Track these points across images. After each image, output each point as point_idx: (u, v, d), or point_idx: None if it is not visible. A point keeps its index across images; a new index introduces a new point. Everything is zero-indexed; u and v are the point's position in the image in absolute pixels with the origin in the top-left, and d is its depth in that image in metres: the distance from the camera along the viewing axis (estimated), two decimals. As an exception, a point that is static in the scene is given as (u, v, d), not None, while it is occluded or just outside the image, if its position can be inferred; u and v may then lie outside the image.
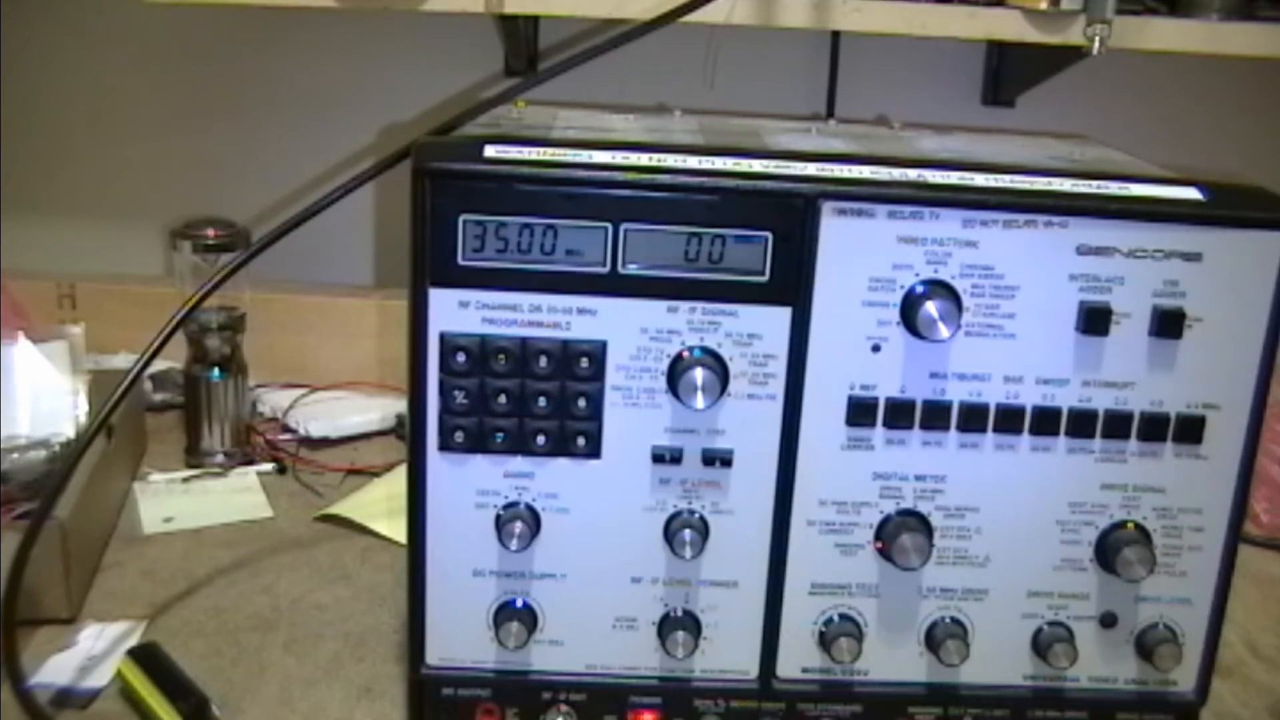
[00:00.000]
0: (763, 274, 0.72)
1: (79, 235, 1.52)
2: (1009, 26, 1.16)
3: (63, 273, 1.41)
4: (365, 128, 1.47)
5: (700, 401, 0.72)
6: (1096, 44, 1.10)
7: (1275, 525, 1.16)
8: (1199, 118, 1.47)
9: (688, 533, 0.75)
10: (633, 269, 0.72)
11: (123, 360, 1.27)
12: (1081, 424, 0.76)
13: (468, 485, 0.75)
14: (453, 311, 0.73)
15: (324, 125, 1.47)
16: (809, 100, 1.46)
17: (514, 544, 0.75)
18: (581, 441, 0.75)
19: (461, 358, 0.73)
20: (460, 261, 0.72)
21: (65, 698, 0.84)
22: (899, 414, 0.75)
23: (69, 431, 1.06)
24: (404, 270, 0.72)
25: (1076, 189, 0.74)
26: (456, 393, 0.74)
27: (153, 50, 1.47)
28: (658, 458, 0.75)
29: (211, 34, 1.45)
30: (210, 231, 1.18)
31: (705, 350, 0.73)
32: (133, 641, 0.89)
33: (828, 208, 0.72)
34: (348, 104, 1.47)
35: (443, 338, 0.73)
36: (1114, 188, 0.74)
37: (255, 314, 1.22)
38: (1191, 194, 0.75)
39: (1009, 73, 1.44)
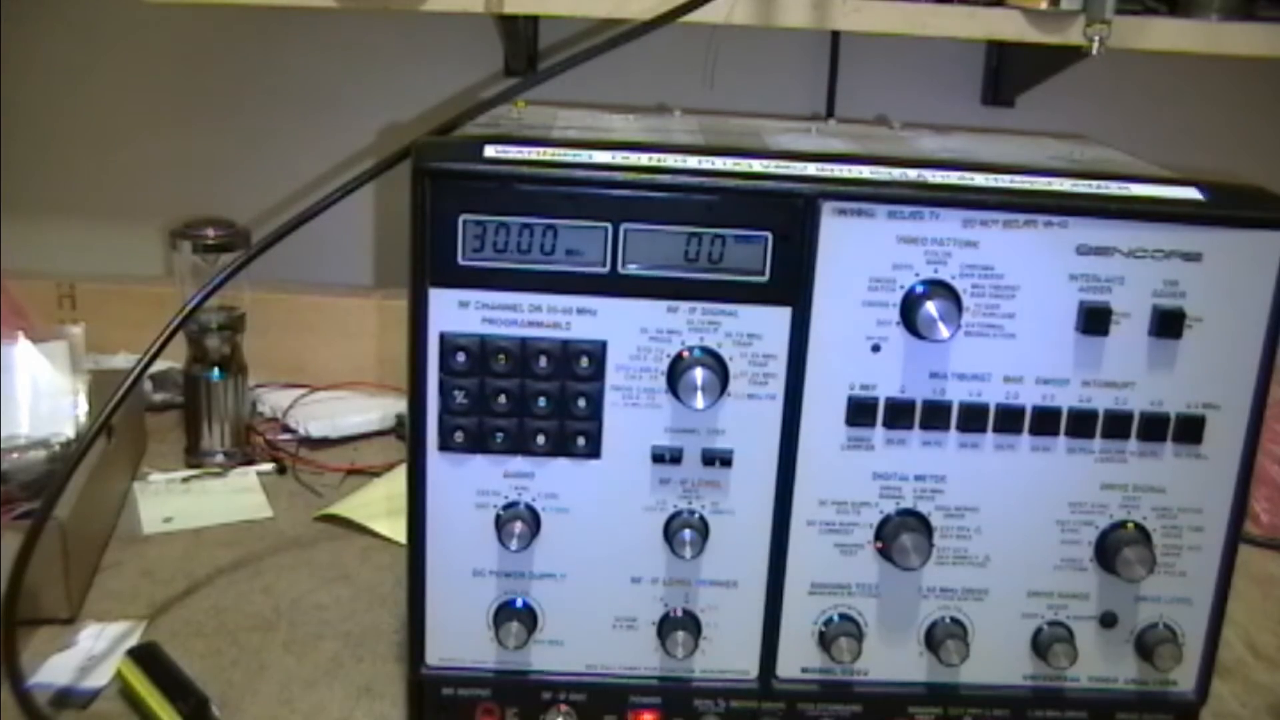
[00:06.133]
0: (763, 274, 0.72)
1: (79, 235, 1.52)
2: (1009, 26, 1.16)
3: (63, 273, 1.41)
4: (365, 127, 1.47)
5: (700, 401, 0.72)
6: (1096, 44, 1.10)
7: (1275, 525, 1.16)
8: (1199, 117, 1.47)
9: (688, 532, 0.75)
10: (633, 269, 0.72)
11: (123, 360, 1.27)
12: (1081, 424, 0.76)
13: (468, 485, 0.75)
14: (453, 311, 0.73)
15: (324, 125, 1.47)
16: (809, 100, 1.46)
17: (514, 544, 0.75)
18: (581, 441, 0.75)
19: (461, 358, 0.73)
20: (460, 261, 0.72)
21: (65, 698, 0.84)
22: (899, 414, 0.75)
23: (69, 432, 1.06)
24: (404, 270, 0.72)
25: (1076, 189, 0.74)
26: (456, 393, 0.74)
27: (152, 50, 1.47)
28: (658, 457, 0.75)
29: (211, 34, 1.45)
30: (210, 232, 1.18)
31: (705, 350, 0.73)
32: (132, 641, 0.89)
33: (828, 208, 0.72)
34: (347, 103, 1.47)
35: (443, 338, 0.73)
36: (1114, 188, 0.74)
37: (255, 314, 1.22)
38: (1191, 194, 0.75)
39: (1009, 72, 1.44)
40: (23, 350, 1.08)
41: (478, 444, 0.75)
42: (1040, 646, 0.79)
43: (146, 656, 0.84)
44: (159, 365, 1.27)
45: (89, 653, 0.89)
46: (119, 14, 1.43)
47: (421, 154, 0.71)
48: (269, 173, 1.48)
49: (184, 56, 1.47)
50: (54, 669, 0.87)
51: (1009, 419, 0.75)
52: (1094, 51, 1.11)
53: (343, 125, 1.47)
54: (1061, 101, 1.44)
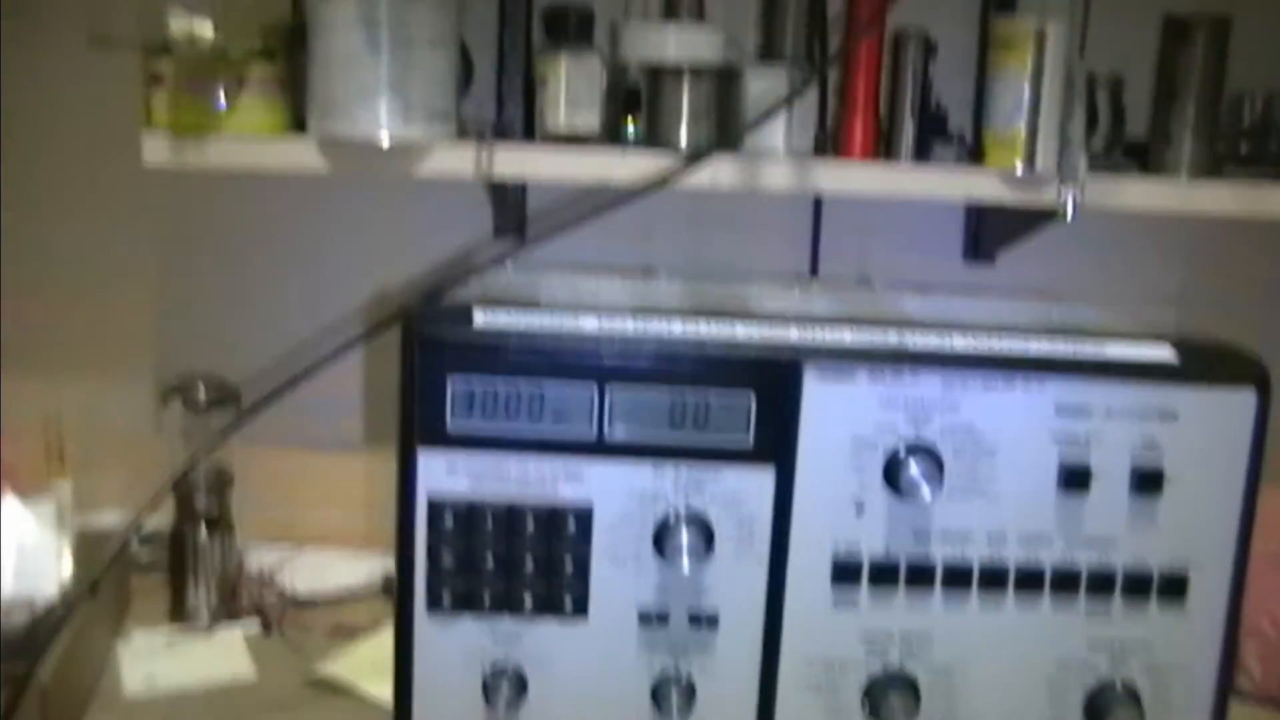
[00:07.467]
0: (747, 436, 0.73)
1: (70, 388, 1.53)
2: (986, 189, 1.19)
3: (51, 423, 1.41)
4: (358, 285, 1.49)
5: (686, 565, 0.73)
6: (1070, 209, 1.13)
7: (1269, 683, 1.15)
8: (1177, 271, 1.50)
9: (675, 695, 0.75)
10: (619, 433, 0.73)
11: (110, 517, 1.27)
12: (1065, 582, 0.76)
13: (455, 647, 0.75)
14: (441, 474, 0.73)
15: (317, 282, 1.49)
16: (794, 255, 1.48)
17: (502, 707, 0.74)
18: (569, 602, 0.75)
19: (449, 520, 0.73)
20: (449, 425, 0.72)
21: None
22: (883, 574, 0.75)
23: (52, 590, 1.05)
24: (392, 427, 0.73)
25: (1054, 350, 0.75)
26: (444, 554, 0.74)
27: (148, 209, 1.49)
28: (644, 618, 0.75)
29: (206, 194, 1.47)
30: (201, 390, 1.19)
31: (691, 512, 0.74)
32: (112, 809, 0.88)
33: (810, 371, 0.73)
34: (340, 262, 1.49)
35: (431, 500, 0.73)
36: (1090, 349, 0.76)
37: (243, 471, 1.22)
38: (1166, 353, 0.76)
39: (989, 231, 1.47)
40: (9, 508, 1.08)
41: (465, 605, 0.75)
42: (1032, 809, 0.78)
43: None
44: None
45: (67, 821, 0.87)
46: (118, 177, 1.46)
47: (412, 320, 0.73)
48: (261, 327, 1.49)
49: (178, 215, 1.49)
50: (30, 838, 0.85)
51: (993, 578, 0.75)
52: (1067, 218, 1.13)
53: (336, 282, 1.48)
54: (1041, 256, 1.46)
